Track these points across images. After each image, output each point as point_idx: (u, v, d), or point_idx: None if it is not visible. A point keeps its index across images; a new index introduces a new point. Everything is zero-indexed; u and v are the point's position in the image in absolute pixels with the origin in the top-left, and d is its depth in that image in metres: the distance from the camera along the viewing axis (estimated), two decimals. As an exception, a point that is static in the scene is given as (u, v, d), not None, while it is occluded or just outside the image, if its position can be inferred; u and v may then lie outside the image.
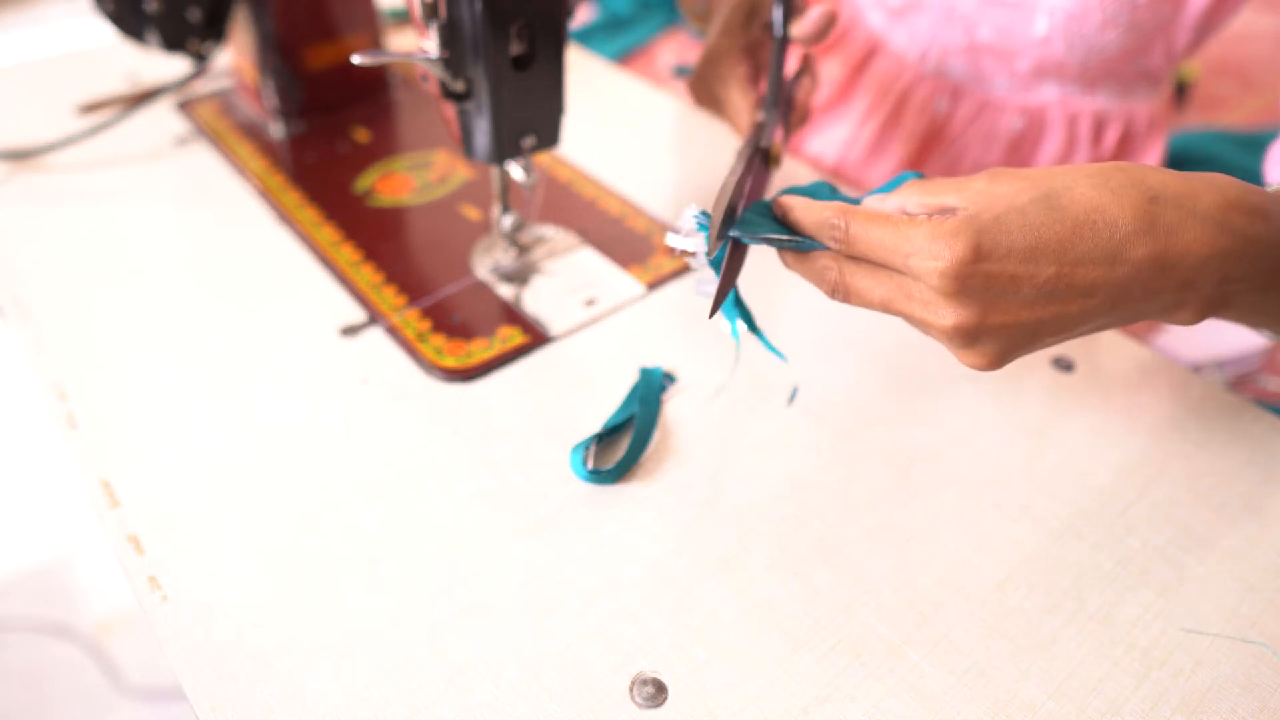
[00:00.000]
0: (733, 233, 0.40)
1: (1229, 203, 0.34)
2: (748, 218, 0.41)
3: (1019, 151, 0.73)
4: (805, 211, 0.39)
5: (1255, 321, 0.39)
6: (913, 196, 0.38)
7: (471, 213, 0.66)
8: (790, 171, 0.71)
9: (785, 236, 0.40)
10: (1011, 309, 0.34)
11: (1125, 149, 0.73)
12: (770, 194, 0.44)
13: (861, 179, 0.79)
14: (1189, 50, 0.67)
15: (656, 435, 0.49)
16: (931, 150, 0.77)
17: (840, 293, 0.39)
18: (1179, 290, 0.35)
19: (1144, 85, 0.70)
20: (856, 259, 0.38)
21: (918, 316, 0.36)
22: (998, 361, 0.36)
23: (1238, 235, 0.34)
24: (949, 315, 0.35)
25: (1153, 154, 0.73)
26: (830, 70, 0.81)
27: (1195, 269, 0.34)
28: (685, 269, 0.60)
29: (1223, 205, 0.34)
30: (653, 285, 0.59)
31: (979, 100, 0.73)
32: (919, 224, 0.35)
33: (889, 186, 0.41)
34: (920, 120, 0.75)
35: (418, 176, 0.70)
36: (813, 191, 0.43)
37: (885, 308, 0.37)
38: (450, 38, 0.48)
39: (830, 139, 0.82)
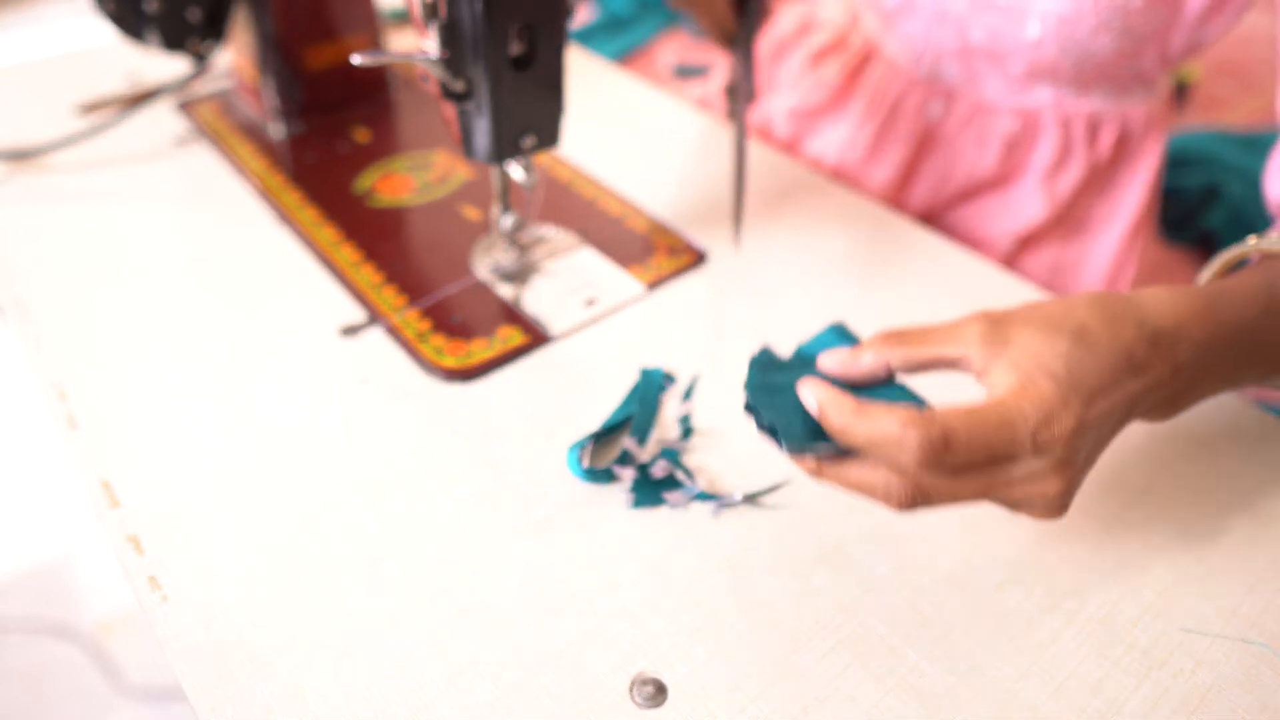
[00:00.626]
0: (783, 447, 0.35)
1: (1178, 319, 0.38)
2: (779, 409, 0.36)
3: (1013, 154, 0.73)
4: (866, 427, 0.33)
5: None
6: (895, 353, 0.36)
7: (471, 213, 0.66)
8: (790, 172, 0.71)
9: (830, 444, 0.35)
10: (1092, 453, 0.35)
11: (1122, 150, 0.73)
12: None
13: (861, 180, 0.79)
14: (1185, 54, 0.67)
15: (656, 435, 0.49)
16: (926, 153, 0.77)
17: (918, 503, 0.34)
18: (1172, 379, 0.37)
19: (1139, 87, 0.70)
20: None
21: (1018, 496, 0.34)
22: (1070, 504, 0.35)
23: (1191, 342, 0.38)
24: (1056, 482, 0.34)
25: (1151, 155, 0.73)
26: (828, 73, 0.81)
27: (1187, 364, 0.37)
28: (685, 268, 0.60)
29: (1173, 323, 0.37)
30: (653, 285, 0.59)
31: (972, 103, 0.73)
32: (1016, 404, 0.33)
33: (821, 340, 0.39)
34: (915, 124, 0.76)
35: (418, 176, 0.70)
36: (823, 341, 0.39)
37: (976, 501, 0.35)
38: (450, 38, 0.48)
39: (830, 141, 0.82)
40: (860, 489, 0.35)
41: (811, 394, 0.35)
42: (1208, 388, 0.40)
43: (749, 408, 0.37)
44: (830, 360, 0.38)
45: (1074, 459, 0.34)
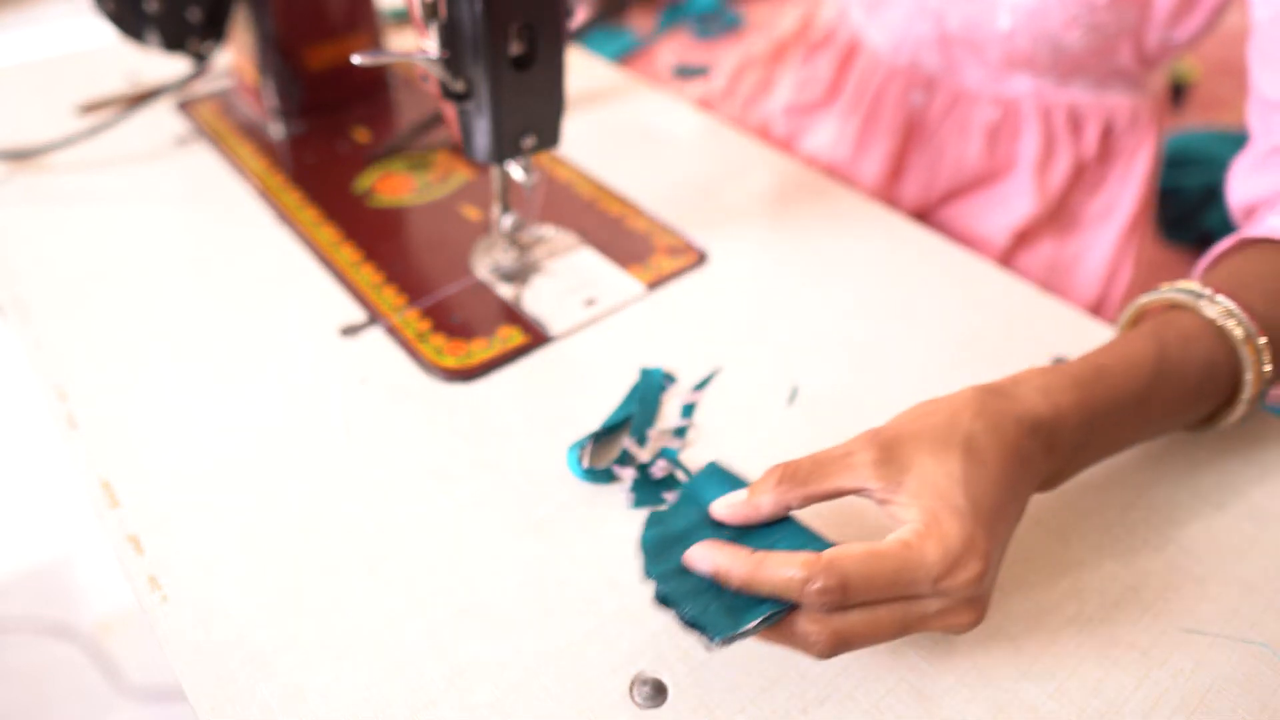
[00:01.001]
0: (714, 642, 0.33)
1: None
2: (681, 592, 0.35)
3: (997, 143, 0.73)
4: (766, 574, 0.33)
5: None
6: (793, 494, 0.36)
7: (471, 213, 0.66)
8: (789, 171, 0.71)
9: (755, 623, 0.33)
10: (997, 563, 0.35)
11: (1109, 145, 0.73)
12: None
13: (852, 174, 0.79)
14: (1163, 54, 0.67)
15: (654, 435, 0.49)
16: (912, 144, 0.77)
17: (838, 648, 0.33)
18: (1055, 461, 0.39)
19: (1119, 83, 0.70)
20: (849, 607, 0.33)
21: (935, 627, 0.34)
22: (983, 566, 0.34)
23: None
24: (968, 615, 0.34)
25: (1143, 153, 0.73)
26: (819, 69, 0.82)
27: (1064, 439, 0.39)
28: (685, 268, 0.61)
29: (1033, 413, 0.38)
30: (653, 285, 0.59)
31: (953, 92, 0.74)
32: (920, 548, 0.33)
33: (704, 482, 0.38)
34: (898, 114, 0.76)
35: (418, 176, 0.70)
36: (705, 485, 0.39)
37: (897, 637, 0.34)
38: (450, 38, 0.48)
39: (821, 137, 0.82)
40: (782, 644, 0.34)
41: (706, 562, 0.35)
42: (1093, 458, 0.41)
43: (662, 599, 0.35)
44: (727, 512, 0.37)
45: (984, 592, 0.34)
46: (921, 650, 0.39)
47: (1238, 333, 0.42)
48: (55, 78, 0.84)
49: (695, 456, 0.48)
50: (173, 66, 0.84)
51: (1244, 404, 0.43)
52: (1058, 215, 0.74)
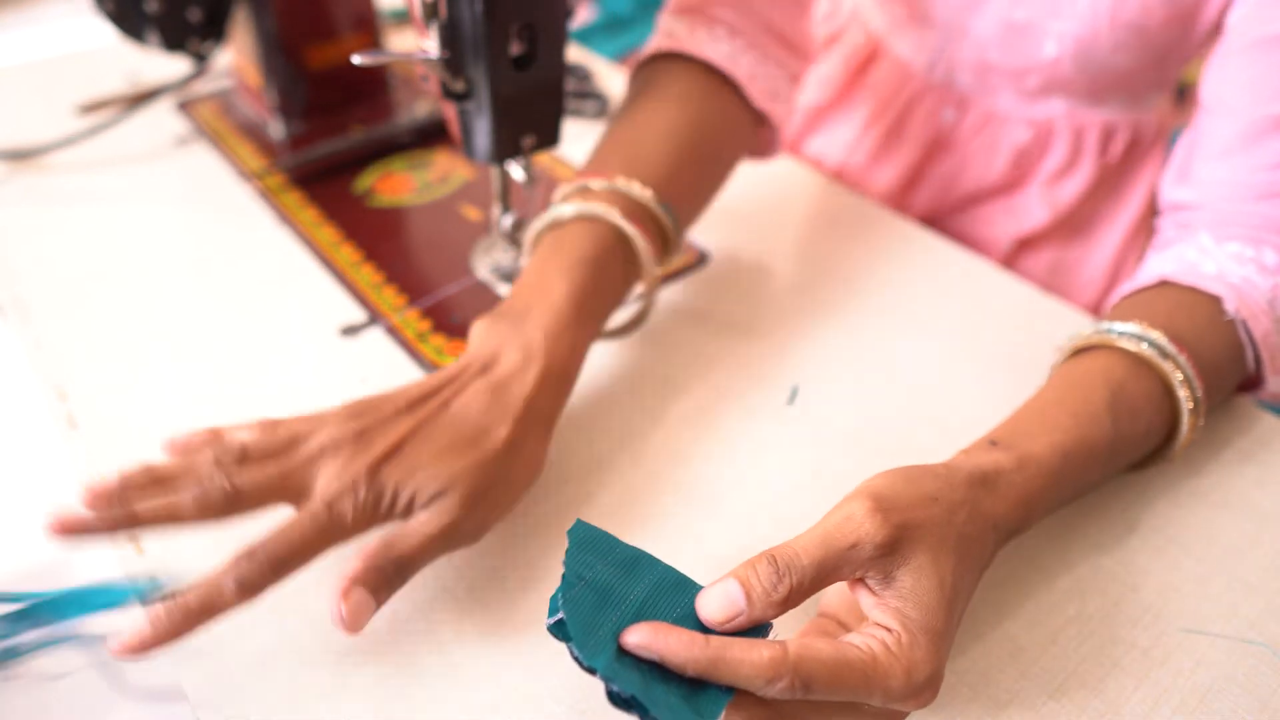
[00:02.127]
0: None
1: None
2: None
3: (1024, 163, 0.72)
4: (729, 668, 0.31)
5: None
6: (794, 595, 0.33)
7: (471, 213, 0.66)
8: (790, 171, 0.71)
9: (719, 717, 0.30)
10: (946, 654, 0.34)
11: (1132, 156, 0.72)
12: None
13: (864, 181, 0.79)
14: (1192, 57, 0.67)
15: (658, 436, 0.48)
16: (935, 159, 0.76)
17: (798, 682, 0.31)
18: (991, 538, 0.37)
19: (1152, 95, 0.70)
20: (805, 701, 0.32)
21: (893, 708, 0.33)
22: (938, 686, 0.33)
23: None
24: (918, 703, 0.33)
25: (1155, 160, 0.73)
26: (828, 68, 0.81)
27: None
28: (685, 269, 0.60)
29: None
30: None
31: (985, 111, 0.72)
32: (888, 670, 0.32)
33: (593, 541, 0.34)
34: (926, 128, 0.75)
35: (418, 176, 0.70)
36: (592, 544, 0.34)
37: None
38: (450, 38, 0.48)
39: (832, 141, 0.82)
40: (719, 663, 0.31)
41: (654, 648, 0.31)
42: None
43: (623, 701, 0.31)
44: (723, 617, 0.33)
45: (933, 688, 0.33)
46: (921, 650, 0.39)
47: (1187, 402, 0.43)
48: (55, 78, 0.84)
49: (695, 457, 0.47)
50: (173, 66, 0.84)
51: (1172, 457, 0.45)
52: (1068, 223, 0.74)
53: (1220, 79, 0.51)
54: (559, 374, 0.43)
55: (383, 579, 0.36)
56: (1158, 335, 0.43)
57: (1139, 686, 0.38)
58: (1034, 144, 0.71)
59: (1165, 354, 0.43)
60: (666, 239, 0.50)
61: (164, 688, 0.40)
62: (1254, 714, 0.37)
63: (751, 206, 0.67)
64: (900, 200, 0.78)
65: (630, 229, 0.47)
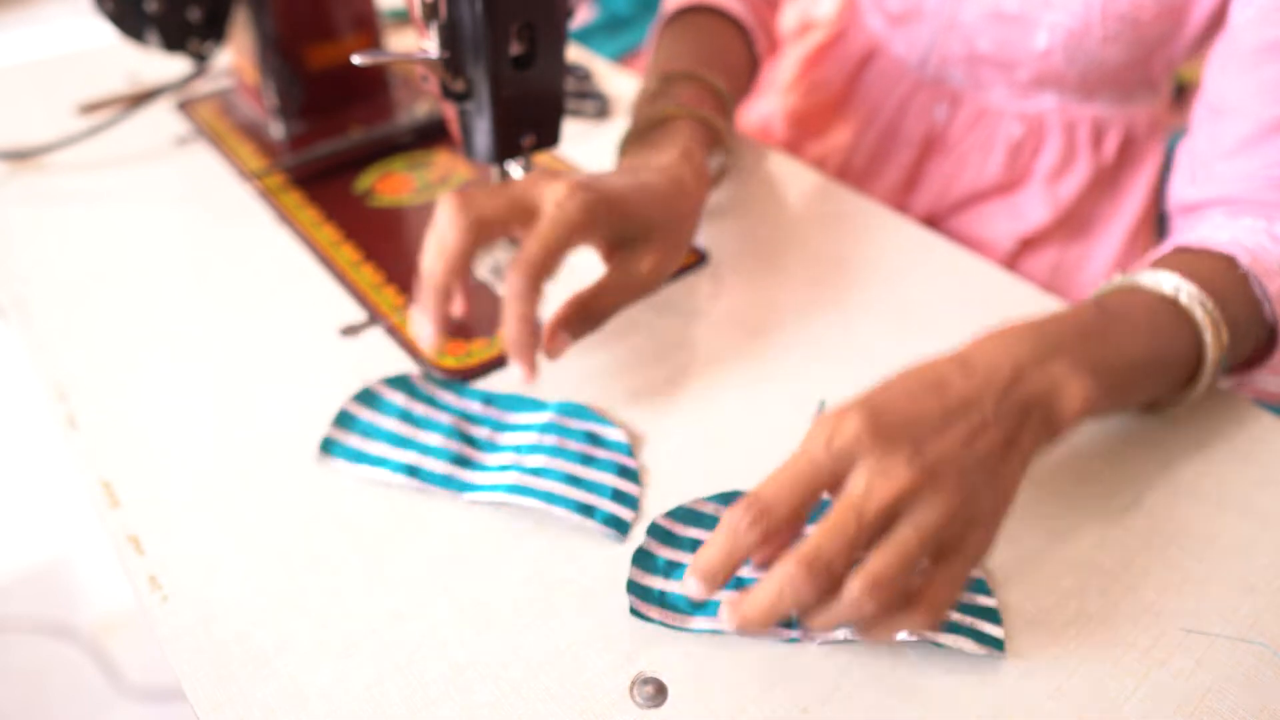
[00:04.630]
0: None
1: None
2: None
3: (1019, 159, 0.73)
4: (713, 551, 0.35)
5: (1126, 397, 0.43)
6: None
7: (471, 213, 0.66)
8: (791, 171, 0.71)
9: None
10: (933, 439, 0.35)
11: (1127, 154, 0.72)
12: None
13: (864, 184, 0.79)
14: (1187, 57, 0.67)
15: (657, 435, 0.48)
16: (932, 158, 0.76)
17: (818, 575, 0.33)
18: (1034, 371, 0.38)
19: (1143, 92, 0.70)
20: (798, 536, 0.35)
21: (884, 498, 0.33)
22: (961, 490, 0.35)
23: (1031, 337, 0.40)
24: (902, 464, 0.34)
25: (1153, 158, 0.73)
26: (828, 71, 0.81)
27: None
28: (685, 269, 0.60)
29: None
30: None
31: (978, 107, 0.73)
32: (806, 438, 0.35)
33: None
34: (919, 127, 0.75)
35: (418, 176, 0.70)
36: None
37: (865, 538, 0.34)
38: (450, 38, 0.48)
39: (832, 145, 0.82)
40: (770, 604, 0.33)
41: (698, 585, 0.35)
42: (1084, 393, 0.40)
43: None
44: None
45: (896, 440, 0.34)
46: (921, 650, 0.39)
47: (1195, 310, 0.44)
48: (55, 78, 0.84)
49: (695, 457, 0.47)
50: (173, 66, 0.84)
51: (1207, 370, 0.45)
52: (1068, 222, 0.74)
53: (1228, 81, 0.52)
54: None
55: (582, 323, 0.46)
56: (1178, 278, 0.45)
57: (1139, 686, 0.38)
58: (1027, 139, 0.72)
59: (1190, 294, 0.44)
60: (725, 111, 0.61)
61: (164, 688, 0.40)
62: (1254, 714, 0.37)
63: (751, 206, 0.67)
64: (900, 201, 0.78)
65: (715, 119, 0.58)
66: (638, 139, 0.56)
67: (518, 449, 0.47)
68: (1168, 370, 0.45)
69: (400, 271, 0.60)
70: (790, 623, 0.39)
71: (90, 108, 0.78)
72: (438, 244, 0.43)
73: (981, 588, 0.41)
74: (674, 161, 0.52)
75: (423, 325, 0.44)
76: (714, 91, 0.61)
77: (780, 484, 0.34)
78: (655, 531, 0.43)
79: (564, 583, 0.41)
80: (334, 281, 0.59)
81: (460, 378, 0.52)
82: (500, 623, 0.40)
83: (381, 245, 0.62)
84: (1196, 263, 0.47)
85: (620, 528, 0.43)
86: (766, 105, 0.88)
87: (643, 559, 0.42)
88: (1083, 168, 0.71)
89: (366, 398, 0.49)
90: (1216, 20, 0.62)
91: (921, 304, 0.58)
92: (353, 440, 0.47)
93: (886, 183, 0.78)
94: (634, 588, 0.40)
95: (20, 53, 0.92)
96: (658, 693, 0.37)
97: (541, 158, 0.72)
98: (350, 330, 0.55)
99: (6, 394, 1.44)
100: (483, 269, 0.60)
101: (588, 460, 0.46)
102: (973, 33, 0.68)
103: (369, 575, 0.42)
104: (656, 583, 0.41)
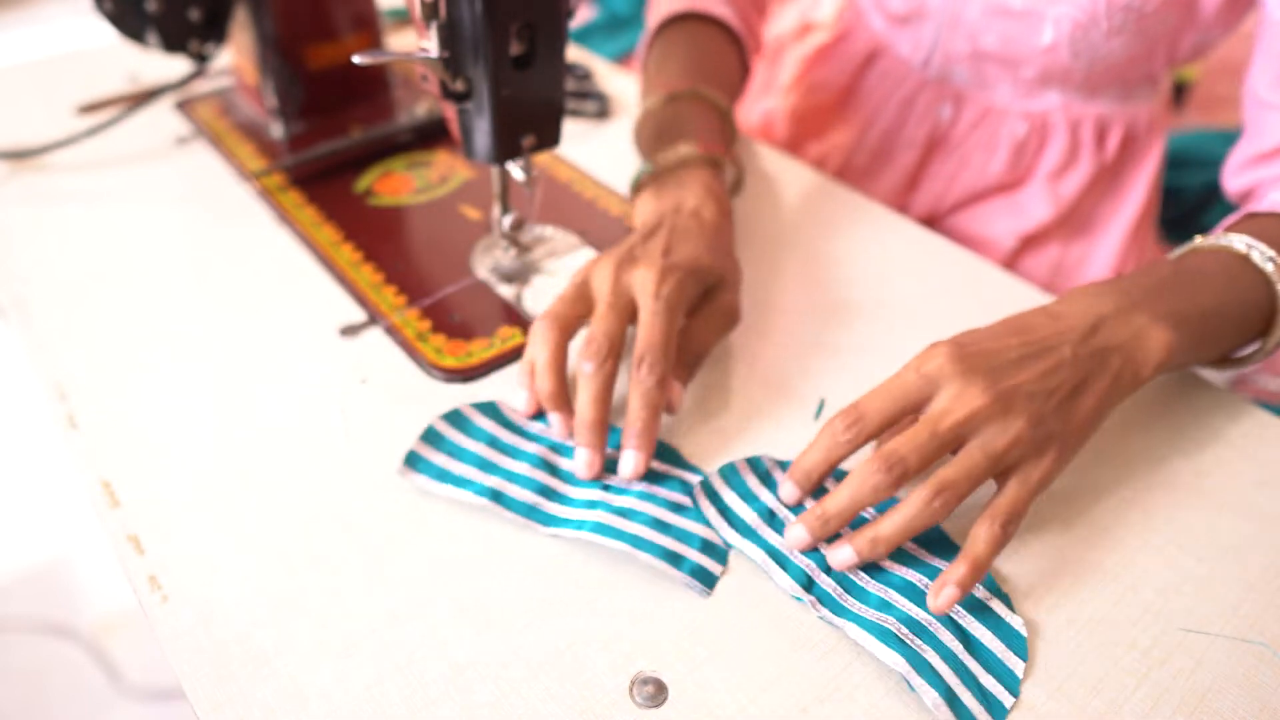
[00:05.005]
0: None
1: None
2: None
3: (1022, 158, 0.73)
4: (813, 453, 0.42)
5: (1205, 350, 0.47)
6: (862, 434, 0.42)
7: (471, 213, 0.66)
8: (791, 172, 0.71)
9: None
10: (1010, 372, 0.40)
11: (1128, 151, 0.72)
12: None
13: (866, 184, 0.79)
14: (1192, 56, 0.67)
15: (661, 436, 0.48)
16: (934, 157, 0.76)
17: (894, 468, 0.39)
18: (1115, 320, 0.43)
19: (1145, 88, 0.70)
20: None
21: (958, 416, 0.39)
22: (1030, 420, 0.40)
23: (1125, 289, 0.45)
24: (978, 391, 0.39)
25: (1153, 155, 0.73)
26: (830, 74, 0.81)
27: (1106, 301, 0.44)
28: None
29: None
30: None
31: (982, 107, 0.72)
32: (905, 366, 0.41)
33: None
34: (923, 126, 0.75)
35: (418, 176, 0.70)
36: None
37: (933, 434, 0.39)
38: (450, 38, 0.48)
39: (832, 145, 0.82)
40: (851, 494, 0.40)
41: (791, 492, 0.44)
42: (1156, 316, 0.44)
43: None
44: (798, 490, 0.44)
45: (976, 371, 0.40)
46: (921, 650, 0.39)
47: (1266, 265, 0.47)
48: (55, 78, 0.84)
49: (696, 457, 0.47)
50: (173, 66, 0.84)
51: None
52: (1070, 220, 0.74)
53: (1268, 82, 0.55)
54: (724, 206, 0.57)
55: (686, 370, 0.48)
56: (1249, 239, 0.48)
57: (1139, 686, 0.38)
58: (1031, 138, 0.72)
59: (1261, 252, 0.47)
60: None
61: (164, 688, 0.40)
62: (1254, 714, 0.37)
63: (751, 206, 0.67)
64: (902, 200, 0.78)
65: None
66: (657, 182, 0.58)
67: (605, 487, 0.45)
68: (1242, 323, 0.47)
69: (400, 271, 0.60)
70: (805, 585, 0.41)
71: (90, 108, 0.78)
72: (544, 363, 0.47)
73: (995, 589, 0.41)
74: (702, 200, 0.55)
75: (582, 451, 0.45)
76: (718, 111, 0.63)
77: (875, 397, 0.41)
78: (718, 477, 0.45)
79: (564, 583, 0.41)
80: (334, 281, 0.59)
81: (460, 378, 0.52)
82: (500, 623, 0.40)
83: (381, 245, 0.62)
84: (1267, 225, 0.50)
85: (707, 581, 0.41)
86: (767, 104, 0.88)
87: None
88: (1085, 165, 0.72)
89: (455, 419, 0.48)
90: (1226, 13, 0.62)
91: (922, 304, 0.58)
92: (439, 459, 0.46)
93: (888, 183, 0.78)
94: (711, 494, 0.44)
95: (20, 53, 0.92)
96: (658, 693, 0.37)
97: (541, 157, 0.72)
98: (350, 330, 0.55)
99: (6, 394, 1.44)
100: (483, 269, 0.60)
101: (678, 508, 0.44)
102: (977, 30, 0.68)
103: (369, 575, 0.42)
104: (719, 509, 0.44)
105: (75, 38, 0.94)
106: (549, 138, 0.54)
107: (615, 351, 0.46)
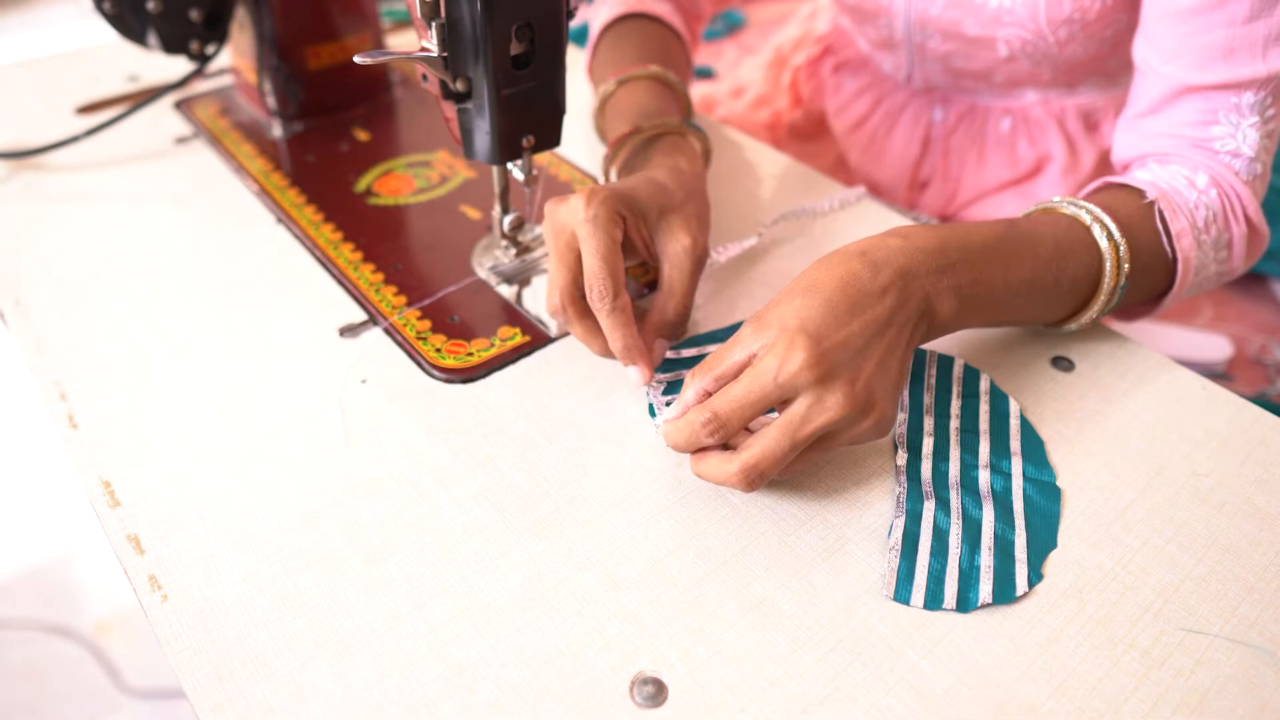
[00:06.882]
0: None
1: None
2: None
3: (1014, 150, 0.74)
4: (681, 435, 0.43)
5: (989, 316, 0.48)
6: (707, 381, 0.44)
7: (471, 213, 0.66)
8: (792, 172, 0.71)
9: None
10: (859, 365, 0.41)
11: None
12: None
13: (875, 189, 0.80)
14: None
15: (651, 432, 0.49)
16: (934, 157, 0.78)
17: (716, 428, 0.41)
18: (919, 292, 0.44)
19: (1127, 74, 0.71)
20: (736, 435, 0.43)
21: (817, 422, 0.41)
22: (889, 408, 0.42)
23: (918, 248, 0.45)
24: (839, 398, 0.40)
25: None
26: (827, 79, 0.82)
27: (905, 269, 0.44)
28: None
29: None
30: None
31: (968, 105, 0.75)
32: (763, 363, 0.41)
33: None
34: (918, 129, 0.77)
35: (418, 176, 0.70)
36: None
37: (795, 450, 0.41)
38: (450, 38, 0.48)
39: (833, 146, 0.82)
40: (697, 461, 0.43)
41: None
42: (964, 286, 0.45)
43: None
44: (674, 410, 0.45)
45: (835, 370, 0.41)
46: (921, 650, 0.39)
47: (1086, 218, 0.50)
48: (55, 78, 0.84)
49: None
50: (173, 66, 0.84)
51: (1102, 294, 0.50)
52: None
53: (1145, 45, 0.55)
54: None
55: (669, 325, 0.51)
56: (1093, 207, 0.50)
57: (1139, 686, 0.38)
58: (1017, 130, 0.74)
59: (1100, 223, 0.49)
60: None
61: (164, 688, 0.40)
62: (1254, 714, 0.37)
63: (753, 207, 0.67)
64: (913, 199, 0.80)
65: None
66: (625, 166, 0.58)
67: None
68: (1065, 292, 0.49)
69: (400, 271, 0.60)
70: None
71: (90, 107, 0.78)
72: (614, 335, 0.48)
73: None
74: (661, 161, 0.56)
75: (630, 370, 0.49)
76: (672, 87, 0.65)
77: (735, 404, 0.41)
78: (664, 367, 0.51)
79: (564, 583, 0.41)
80: (333, 281, 0.59)
81: (460, 378, 0.52)
82: (500, 623, 0.40)
83: (381, 245, 0.62)
84: (1115, 195, 0.53)
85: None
86: (767, 111, 0.89)
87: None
88: (1088, 155, 0.73)
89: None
90: None
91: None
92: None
93: (895, 185, 0.79)
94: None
95: (20, 53, 0.92)
96: (658, 692, 0.37)
97: (541, 157, 0.72)
98: (349, 330, 0.55)
99: (6, 394, 1.44)
100: (483, 269, 0.60)
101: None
102: (943, 54, 0.71)
103: (369, 575, 0.42)
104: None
105: (75, 38, 0.95)
106: (549, 138, 0.54)
107: (612, 289, 0.47)
